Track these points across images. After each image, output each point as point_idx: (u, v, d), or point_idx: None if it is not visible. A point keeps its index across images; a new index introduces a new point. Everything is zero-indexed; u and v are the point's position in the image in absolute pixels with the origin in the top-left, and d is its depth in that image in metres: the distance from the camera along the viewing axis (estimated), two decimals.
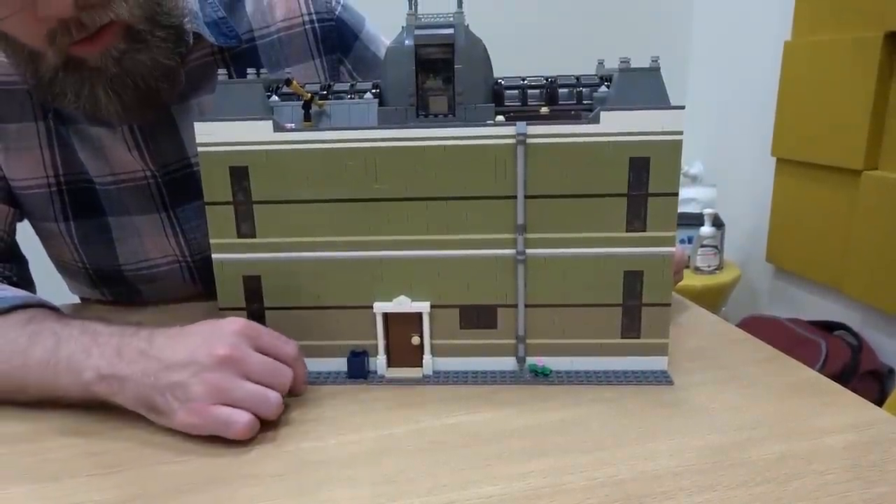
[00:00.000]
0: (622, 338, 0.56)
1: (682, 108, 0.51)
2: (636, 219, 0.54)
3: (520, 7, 1.97)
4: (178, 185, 0.72)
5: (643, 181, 0.53)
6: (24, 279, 0.73)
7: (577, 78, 0.59)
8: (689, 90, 2.13)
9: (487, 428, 0.49)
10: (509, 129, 0.51)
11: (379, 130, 0.51)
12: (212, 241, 0.54)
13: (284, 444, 0.47)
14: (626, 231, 0.54)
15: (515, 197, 0.52)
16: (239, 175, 0.52)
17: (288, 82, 0.52)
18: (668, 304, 0.55)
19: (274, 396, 0.47)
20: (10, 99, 0.67)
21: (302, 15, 0.75)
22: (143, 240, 0.73)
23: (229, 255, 0.55)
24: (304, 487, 0.42)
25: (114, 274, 0.74)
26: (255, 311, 0.55)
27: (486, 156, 0.51)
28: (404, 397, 0.53)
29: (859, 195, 1.44)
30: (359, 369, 0.56)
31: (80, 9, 0.53)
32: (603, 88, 0.57)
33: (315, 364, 0.56)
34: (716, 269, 1.72)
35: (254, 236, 0.54)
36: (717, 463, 0.43)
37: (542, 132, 0.51)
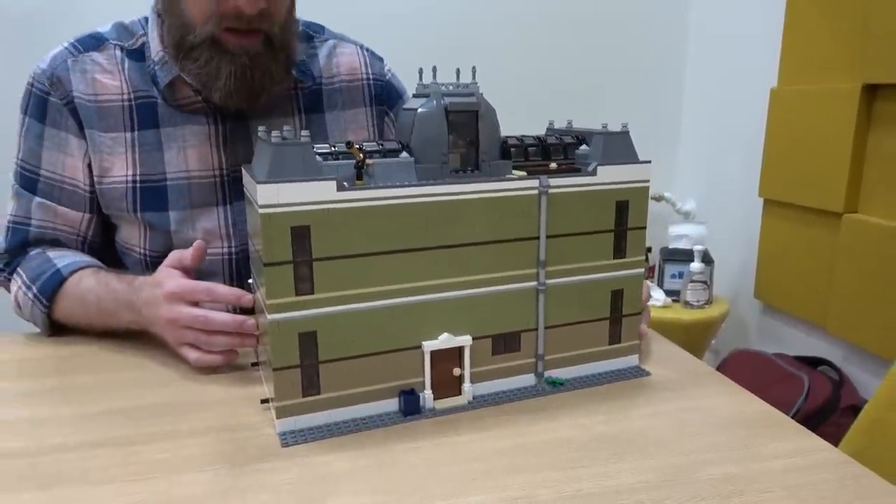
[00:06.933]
0: (609, 344, 0.72)
1: (649, 162, 0.70)
2: (619, 248, 0.71)
3: (522, 57, 2.12)
4: (240, 184, 0.92)
5: (624, 219, 0.70)
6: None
7: (559, 138, 0.68)
8: (683, 133, 2.28)
9: (475, 448, 0.60)
10: (534, 182, 0.65)
11: (429, 186, 0.62)
12: (268, 301, 0.59)
13: (294, 457, 0.55)
14: (613, 258, 0.71)
15: (537, 238, 0.66)
16: (300, 235, 0.59)
17: (349, 144, 0.64)
18: (640, 313, 0.73)
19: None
20: (108, 114, 0.91)
21: (361, 74, 1.02)
22: (197, 233, 0.92)
23: (286, 314, 0.60)
24: (312, 496, 0.50)
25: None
26: (310, 367, 0.61)
27: (514, 204, 0.65)
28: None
29: (840, 237, 1.52)
30: (414, 406, 0.65)
31: (258, 14, 0.80)
32: (583, 147, 0.66)
33: (366, 409, 0.64)
34: (705, 304, 1.81)
35: (311, 293, 0.60)
36: (671, 481, 0.51)
37: (558, 183, 0.66)
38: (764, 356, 1.72)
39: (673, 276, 1.92)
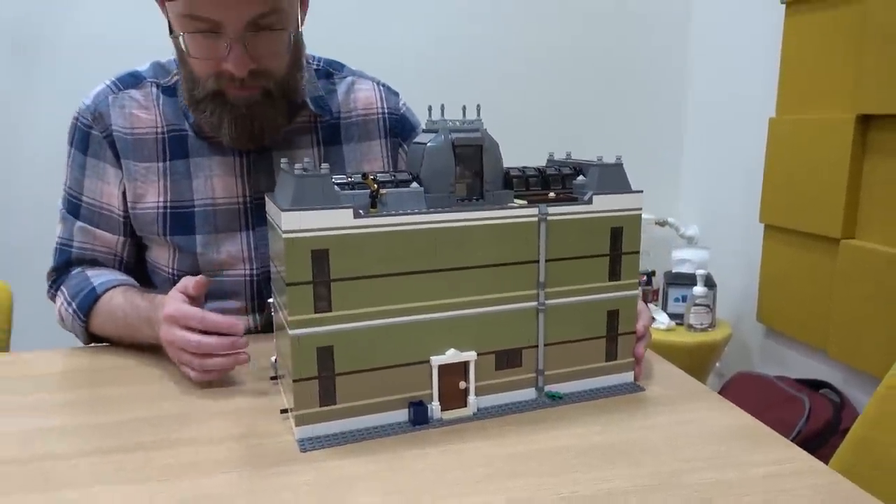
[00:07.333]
0: (605, 361, 0.77)
1: (641, 191, 0.75)
2: (614, 271, 0.76)
3: (527, 91, 2.24)
4: (262, 210, 1.00)
5: (618, 244, 0.75)
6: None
7: (558, 169, 0.73)
8: (686, 161, 2.36)
9: (479, 454, 0.65)
10: (534, 210, 0.71)
11: (437, 214, 0.68)
12: (290, 318, 0.64)
13: (312, 462, 0.62)
14: (609, 281, 0.75)
15: (537, 261, 0.72)
16: (320, 257, 0.65)
17: (364, 176, 0.70)
18: (634, 332, 0.78)
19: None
20: (143, 146, 0.99)
21: (377, 108, 1.10)
22: (221, 256, 0.99)
23: (306, 329, 0.65)
24: (329, 496, 0.56)
25: None
26: (327, 378, 0.66)
27: (516, 231, 0.71)
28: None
29: (838, 262, 1.56)
30: (422, 417, 0.70)
31: (251, 74, 0.87)
32: (580, 178, 0.72)
33: (378, 419, 0.69)
34: (708, 327, 1.85)
35: (329, 310, 0.65)
36: (660, 485, 0.56)
37: (556, 211, 0.72)
38: (766, 379, 1.75)
39: (676, 299, 1.96)
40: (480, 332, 0.71)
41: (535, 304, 0.72)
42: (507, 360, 0.73)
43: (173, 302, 0.82)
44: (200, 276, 0.85)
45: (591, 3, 2.23)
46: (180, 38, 0.86)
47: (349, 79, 1.09)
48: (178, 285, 0.85)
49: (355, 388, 0.67)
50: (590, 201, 0.73)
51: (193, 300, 0.84)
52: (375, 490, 0.58)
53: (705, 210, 2.27)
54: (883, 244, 1.52)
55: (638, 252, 0.76)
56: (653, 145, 2.34)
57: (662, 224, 2.22)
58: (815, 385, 1.70)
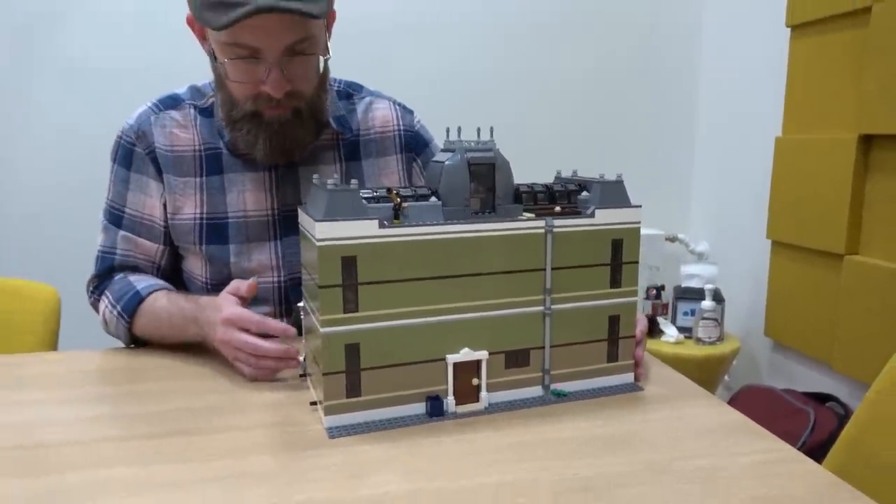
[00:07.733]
0: (607, 362, 0.84)
1: (640, 206, 0.82)
2: (615, 280, 0.82)
3: (540, 106, 2.27)
4: (289, 222, 1.07)
5: (619, 254, 0.82)
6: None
7: (564, 185, 0.80)
8: (696, 179, 2.41)
9: (490, 443, 0.72)
10: (541, 223, 0.78)
11: (454, 225, 0.76)
12: (321, 317, 0.72)
13: (339, 447, 0.69)
14: (610, 288, 0.82)
15: (544, 269, 0.79)
16: (348, 263, 0.73)
17: (389, 191, 0.78)
18: (634, 336, 0.84)
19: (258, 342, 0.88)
20: (182, 162, 1.08)
21: (394, 126, 1.19)
22: (252, 264, 1.07)
23: (336, 328, 0.72)
24: (356, 473, 0.63)
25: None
26: (353, 373, 0.74)
27: (524, 241, 0.78)
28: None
29: (843, 277, 1.61)
30: (438, 409, 0.77)
31: (286, 95, 0.96)
32: (584, 193, 0.78)
33: (398, 411, 0.76)
34: (716, 341, 1.89)
35: (356, 311, 0.73)
36: (653, 469, 0.64)
37: (562, 223, 0.80)
38: (773, 392, 1.79)
39: (685, 313, 2.01)
40: (492, 333, 0.78)
41: (541, 308, 0.79)
42: (516, 359, 0.80)
43: (229, 305, 0.90)
44: (253, 279, 0.94)
45: (602, 26, 2.32)
46: (222, 64, 0.95)
47: (367, 99, 1.17)
48: (230, 287, 0.93)
49: (378, 382, 0.74)
50: (592, 215, 0.80)
51: (243, 301, 0.92)
52: (396, 471, 0.65)
53: (715, 226, 2.32)
54: (885, 260, 1.56)
55: (637, 262, 0.83)
56: (664, 164, 2.41)
57: (673, 240, 2.28)
58: (821, 398, 1.74)
